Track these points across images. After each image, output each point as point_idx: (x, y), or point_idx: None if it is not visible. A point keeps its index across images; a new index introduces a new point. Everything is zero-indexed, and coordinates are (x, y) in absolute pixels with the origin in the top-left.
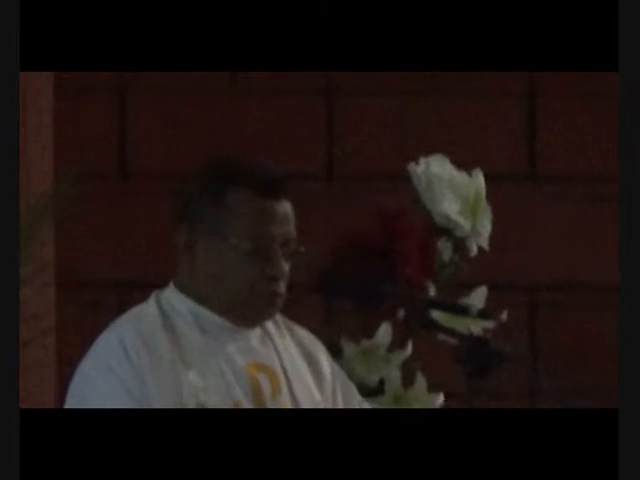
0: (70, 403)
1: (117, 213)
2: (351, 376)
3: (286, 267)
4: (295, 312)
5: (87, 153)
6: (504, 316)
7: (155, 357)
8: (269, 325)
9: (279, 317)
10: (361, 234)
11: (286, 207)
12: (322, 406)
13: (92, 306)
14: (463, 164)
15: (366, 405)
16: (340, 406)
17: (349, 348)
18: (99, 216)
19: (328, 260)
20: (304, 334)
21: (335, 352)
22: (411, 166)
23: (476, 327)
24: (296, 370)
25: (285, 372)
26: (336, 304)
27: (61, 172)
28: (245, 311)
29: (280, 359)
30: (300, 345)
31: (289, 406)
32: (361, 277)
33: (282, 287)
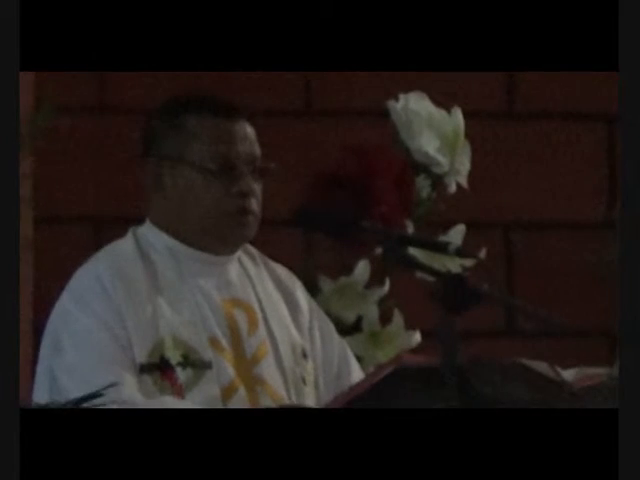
0: (48, 339)
1: (95, 148)
2: (328, 313)
3: (255, 185)
4: (273, 249)
5: (67, 86)
6: (482, 254)
7: (132, 293)
8: (245, 260)
9: (256, 252)
10: (338, 170)
11: (246, 127)
12: (298, 342)
13: (69, 242)
14: (442, 101)
15: (344, 342)
16: (317, 343)
17: (326, 285)
18: (77, 151)
19: (305, 195)
20: (281, 270)
21: (312, 289)
22: (390, 103)
23: (454, 265)
24: (273, 306)
25: (262, 307)
26: (313, 239)
27: (38, 103)
28: (218, 233)
29: (256, 294)
30: (277, 281)
31: (266, 342)
32: (338, 211)
33: (252, 204)
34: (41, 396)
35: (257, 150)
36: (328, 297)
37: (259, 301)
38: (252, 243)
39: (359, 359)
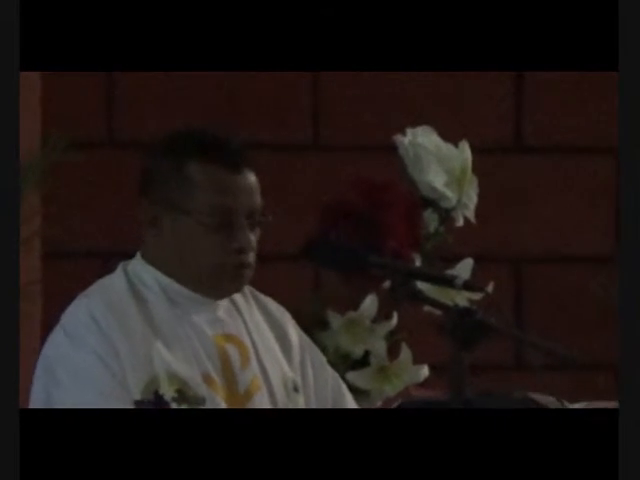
0: (41, 375)
1: (104, 182)
2: (336, 348)
3: (252, 238)
4: (281, 284)
5: (75, 122)
6: (490, 288)
7: (125, 328)
8: (236, 296)
9: (246, 287)
10: (348, 204)
11: (248, 178)
12: (290, 376)
13: (79, 277)
14: (450, 135)
15: (337, 376)
16: (310, 377)
17: (335, 320)
18: (86, 186)
19: (315, 228)
20: (272, 304)
21: (321, 324)
22: (398, 137)
23: (461, 299)
24: (264, 341)
25: (253, 343)
26: (321, 274)
27: (50, 137)
28: (213, 284)
29: (248, 330)
30: (267, 315)
31: (258, 377)
32: (347, 245)
33: (250, 258)
34: None
35: (258, 202)
36: (337, 332)
37: (250, 336)
38: (260, 279)
39: (366, 393)
